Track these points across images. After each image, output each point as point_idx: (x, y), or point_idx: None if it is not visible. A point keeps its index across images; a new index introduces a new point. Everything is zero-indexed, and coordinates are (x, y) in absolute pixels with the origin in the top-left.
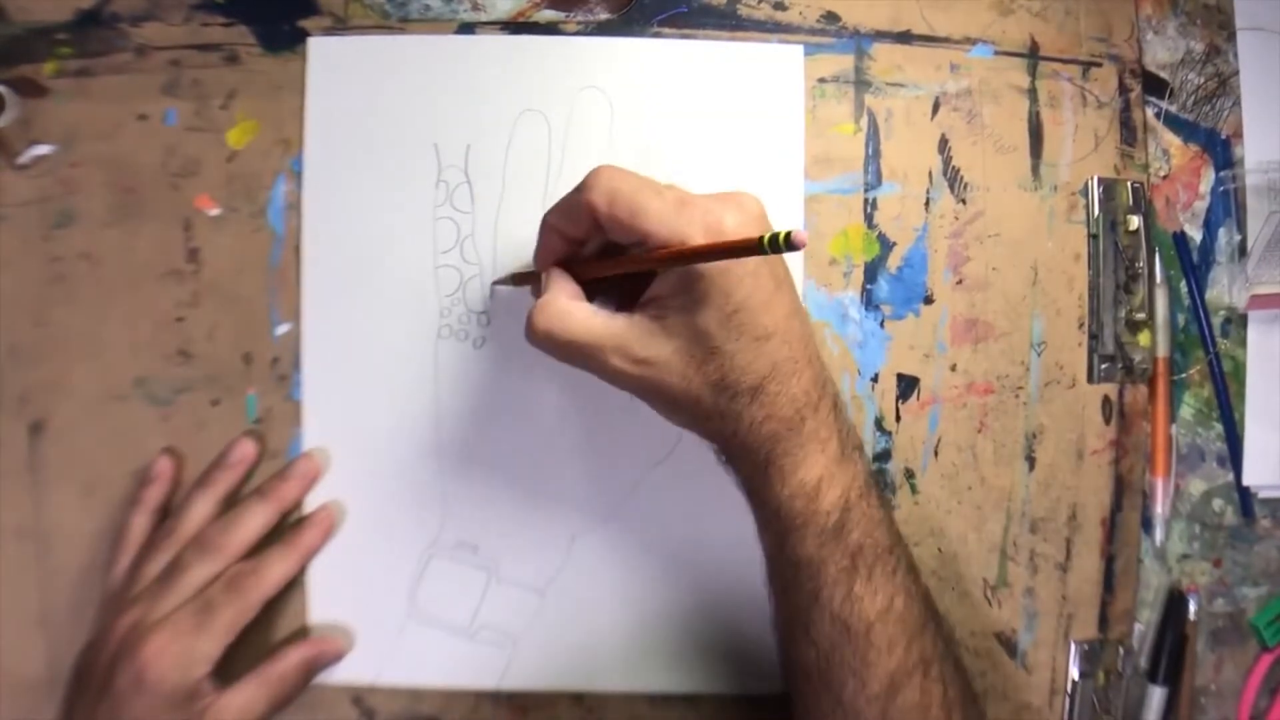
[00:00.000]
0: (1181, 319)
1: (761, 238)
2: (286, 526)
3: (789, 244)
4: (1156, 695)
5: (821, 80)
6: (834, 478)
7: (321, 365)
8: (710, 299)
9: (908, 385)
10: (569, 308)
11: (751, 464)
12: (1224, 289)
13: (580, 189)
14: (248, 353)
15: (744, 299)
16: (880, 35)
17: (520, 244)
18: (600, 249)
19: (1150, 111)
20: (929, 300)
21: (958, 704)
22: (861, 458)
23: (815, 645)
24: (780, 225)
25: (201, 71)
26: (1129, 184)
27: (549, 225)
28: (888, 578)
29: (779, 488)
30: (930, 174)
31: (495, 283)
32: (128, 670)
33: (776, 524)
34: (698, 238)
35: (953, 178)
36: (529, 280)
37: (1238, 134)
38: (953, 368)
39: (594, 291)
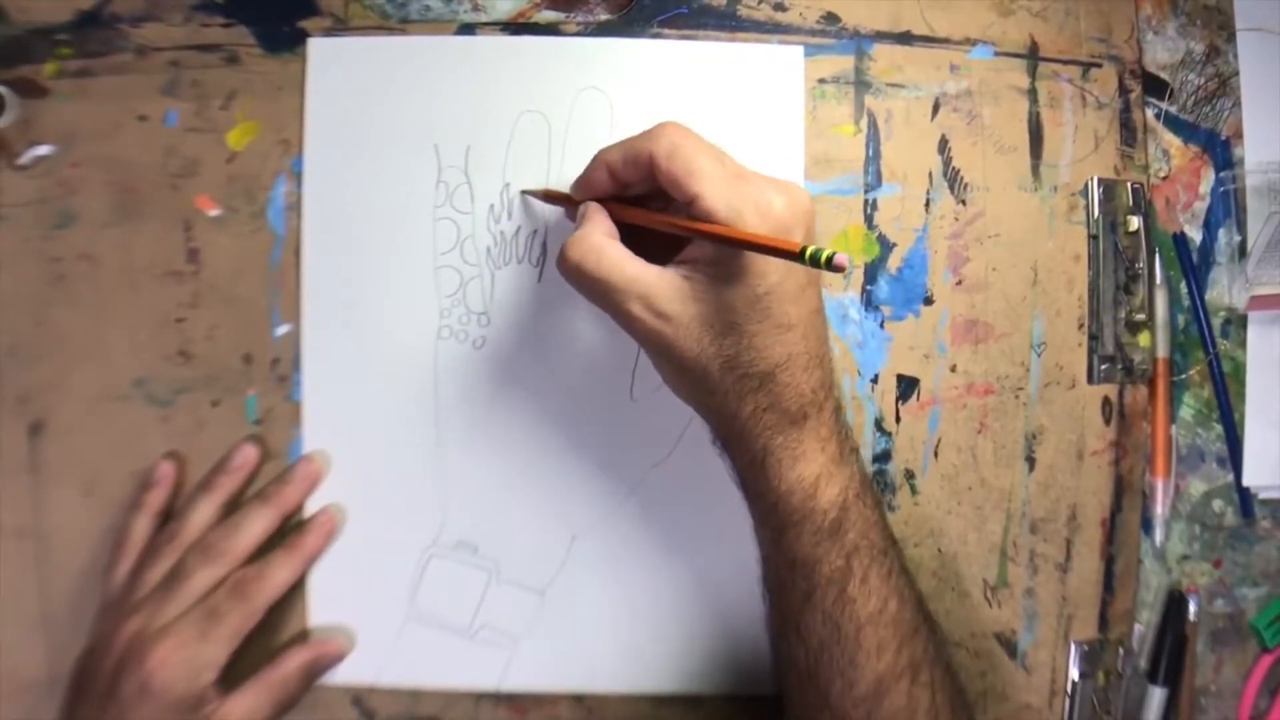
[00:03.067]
0: (1181, 319)
1: (805, 249)
2: (288, 530)
3: (830, 264)
4: (1156, 696)
5: (821, 81)
6: (832, 476)
7: (321, 366)
8: (744, 276)
9: (908, 386)
10: (603, 244)
11: (748, 454)
12: (1224, 289)
13: (644, 136)
14: (248, 353)
15: (775, 284)
16: (880, 36)
17: (521, 245)
18: (640, 197)
19: (1150, 112)
20: (929, 301)
21: (945, 710)
22: (858, 461)
23: (805, 644)
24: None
25: (201, 72)
26: (1129, 185)
27: (603, 161)
28: (882, 580)
29: (776, 481)
30: (930, 175)
31: (525, 191)
32: (133, 678)
33: (772, 519)
34: (747, 212)
35: (953, 178)
36: (560, 200)
37: (1238, 135)
38: (953, 368)
39: (626, 237)
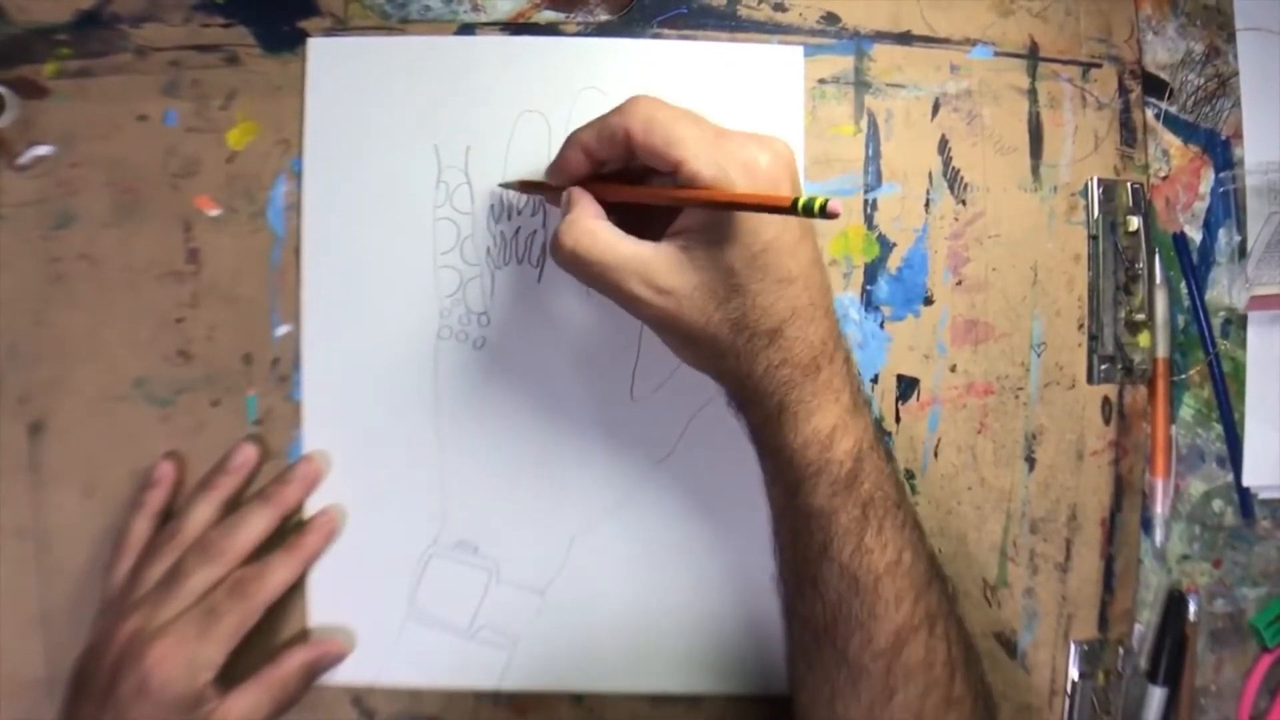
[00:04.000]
0: (1181, 320)
1: (796, 200)
2: (288, 530)
3: (824, 211)
4: (1156, 696)
5: (821, 81)
6: (847, 427)
7: (321, 366)
8: (738, 236)
9: (908, 386)
10: (596, 227)
11: (764, 410)
12: (1224, 290)
13: (617, 113)
14: (248, 353)
15: (771, 240)
16: (880, 36)
17: (521, 245)
18: (618, 173)
19: (1150, 112)
20: (929, 301)
21: (960, 663)
22: (870, 411)
23: (822, 598)
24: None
25: (201, 72)
26: (1129, 185)
27: (577, 143)
28: (896, 531)
29: (791, 435)
30: (930, 175)
31: (502, 185)
32: (132, 677)
33: (789, 473)
34: (733, 172)
35: (953, 178)
36: (537, 189)
37: (1237, 135)
38: (953, 368)
39: (611, 217)
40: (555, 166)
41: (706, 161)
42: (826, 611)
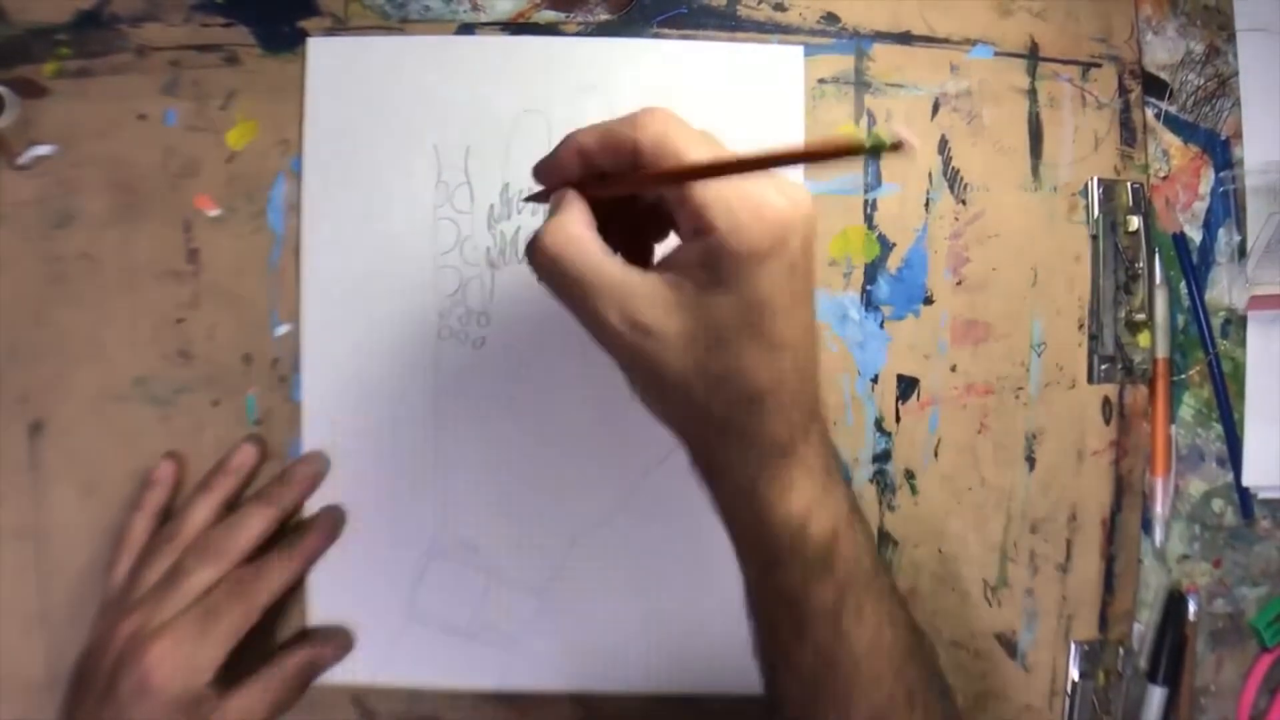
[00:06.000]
0: (1181, 320)
1: (862, 143)
2: (288, 530)
3: (896, 147)
4: (1156, 695)
5: (821, 81)
6: (822, 506)
7: (321, 366)
8: (735, 283)
9: (908, 386)
10: (584, 237)
11: (733, 484)
12: (1224, 290)
13: (627, 123)
14: (248, 353)
15: (769, 295)
16: (880, 36)
17: (521, 245)
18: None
19: (1150, 112)
20: (929, 301)
21: None
22: (845, 483)
23: (799, 680)
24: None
25: (201, 72)
26: (1129, 185)
27: (575, 144)
28: (875, 606)
29: (763, 515)
30: (930, 175)
31: (527, 199)
32: (131, 677)
33: (759, 554)
34: (742, 213)
35: (953, 178)
36: (542, 199)
37: (1237, 135)
38: (953, 368)
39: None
40: (546, 165)
41: (716, 193)
42: (804, 692)
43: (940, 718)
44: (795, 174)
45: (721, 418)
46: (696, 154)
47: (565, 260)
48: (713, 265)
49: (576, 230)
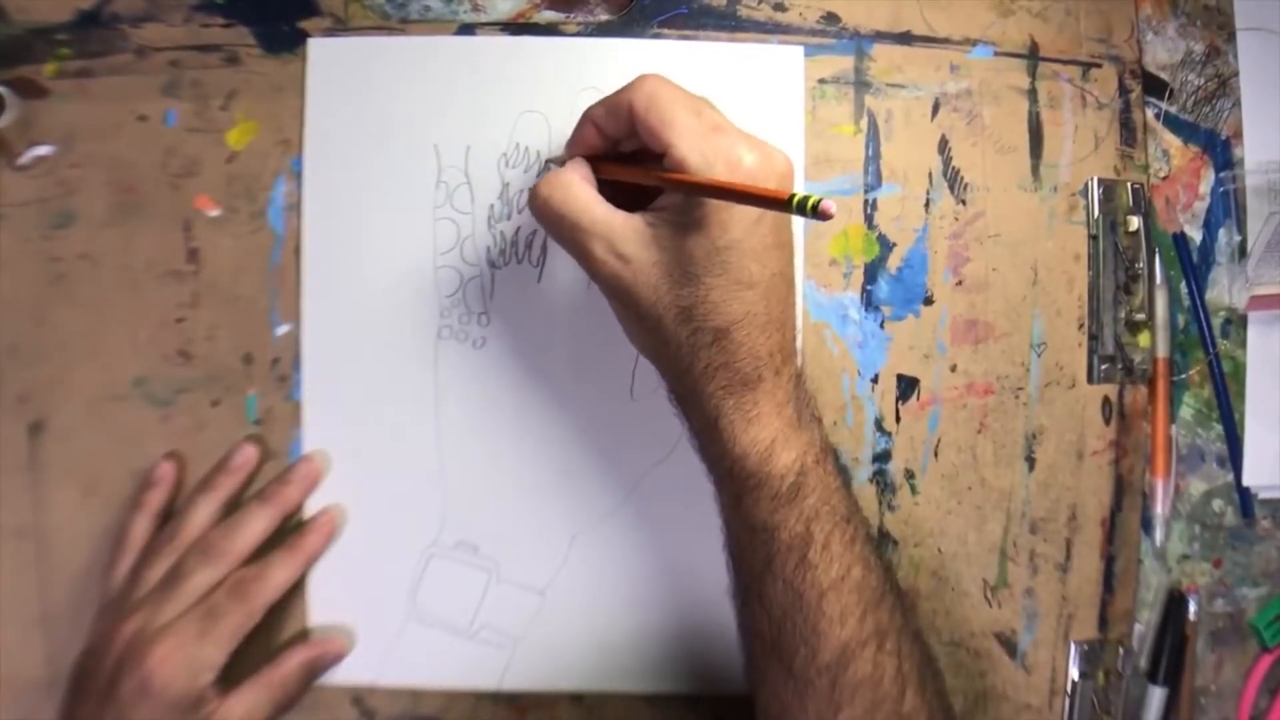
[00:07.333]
0: (1181, 319)
1: (792, 196)
2: (288, 530)
3: (816, 211)
4: (1156, 695)
5: (821, 81)
6: (789, 440)
7: (321, 365)
8: (705, 227)
9: (908, 386)
10: (574, 183)
11: (702, 413)
12: (1224, 289)
13: (626, 88)
14: (248, 353)
15: (737, 239)
16: (880, 36)
17: (521, 245)
18: (634, 154)
19: (1150, 112)
20: (929, 301)
21: (913, 678)
22: (820, 428)
23: (768, 613)
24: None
25: (201, 72)
26: (1129, 185)
27: (588, 117)
28: (845, 547)
29: (730, 444)
30: (930, 175)
31: (549, 160)
32: (132, 677)
33: (729, 483)
34: (717, 167)
35: (953, 178)
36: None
37: (1238, 135)
38: (953, 368)
39: (612, 196)
40: (570, 139)
41: (693, 149)
42: (772, 626)
43: (914, 664)
44: (796, 178)
45: (690, 346)
46: (677, 114)
47: (555, 203)
48: (687, 210)
49: (568, 178)
